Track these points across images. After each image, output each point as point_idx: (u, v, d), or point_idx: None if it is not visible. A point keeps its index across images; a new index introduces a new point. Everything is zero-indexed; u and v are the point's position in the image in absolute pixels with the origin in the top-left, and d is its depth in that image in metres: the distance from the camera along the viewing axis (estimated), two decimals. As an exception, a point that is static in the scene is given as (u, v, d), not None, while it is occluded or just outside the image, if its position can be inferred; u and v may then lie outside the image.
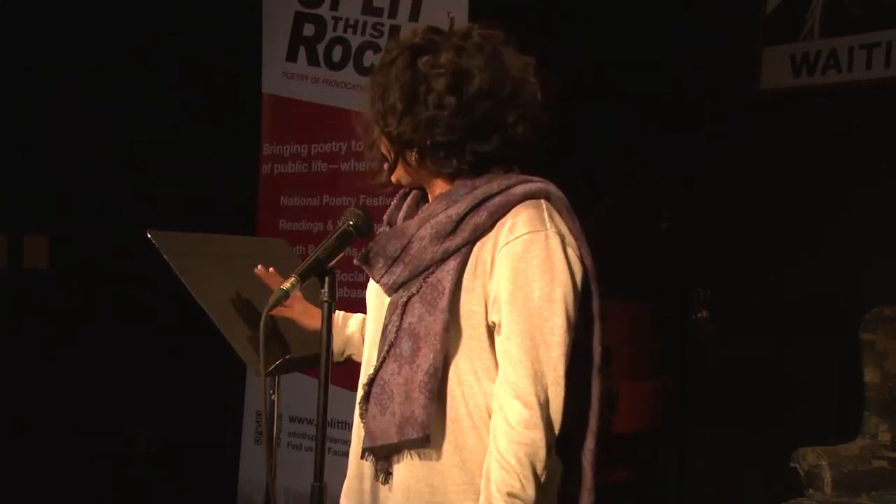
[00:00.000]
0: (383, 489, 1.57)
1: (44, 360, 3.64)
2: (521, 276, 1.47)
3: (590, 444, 1.59)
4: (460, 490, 1.52)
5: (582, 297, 1.55)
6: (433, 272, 1.51)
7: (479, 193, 1.51)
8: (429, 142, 1.52)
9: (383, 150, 1.59)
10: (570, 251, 1.51)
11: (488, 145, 1.52)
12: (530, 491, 1.44)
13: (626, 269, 3.66)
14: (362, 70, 3.59)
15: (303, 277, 1.47)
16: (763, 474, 3.45)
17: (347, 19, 3.63)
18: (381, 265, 1.56)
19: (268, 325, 1.42)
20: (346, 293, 3.18)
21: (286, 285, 1.45)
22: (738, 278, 3.81)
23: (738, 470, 3.72)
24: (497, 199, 1.51)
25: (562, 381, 1.47)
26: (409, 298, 1.52)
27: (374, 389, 1.56)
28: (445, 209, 1.52)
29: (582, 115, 3.94)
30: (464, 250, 1.50)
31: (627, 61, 4.06)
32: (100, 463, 3.79)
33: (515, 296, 1.47)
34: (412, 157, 1.56)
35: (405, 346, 1.51)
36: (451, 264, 1.50)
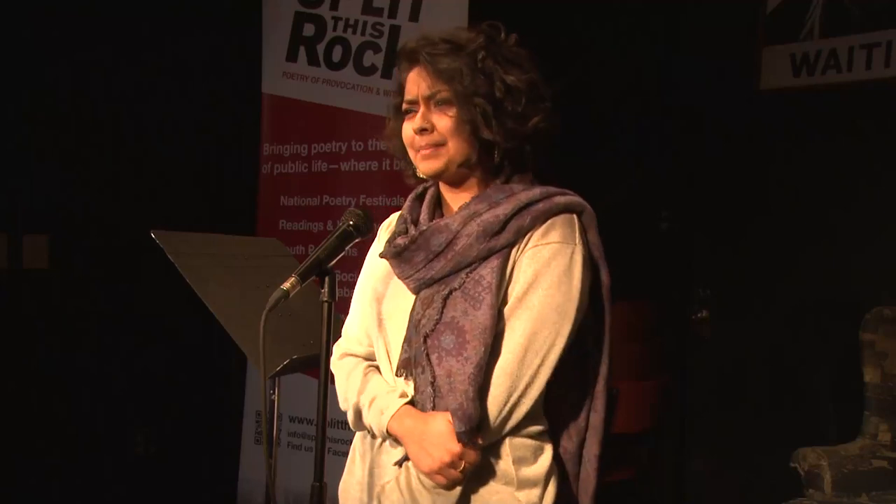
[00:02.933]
0: (419, 488, 1.56)
1: (44, 360, 3.63)
2: (541, 280, 1.52)
3: (594, 450, 1.63)
4: (476, 481, 1.54)
5: (593, 312, 1.61)
6: (475, 269, 1.54)
7: (524, 198, 1.56)
8: (522, 142, 1.57)
9: (452, 142, 1.56)
10: (587, 273, 1.56)
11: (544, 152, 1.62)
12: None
13: (625, 269, 3.66)
14: (362, 70, 3.59)
15: (303, 277, 1.47)
16: (763, 474, 3.45)
17: (347, 19, 3.63)
18: (420, 259, 1.57)
19: (270, 325, 1.42)
20: (346, 293, 3.18)
21: (286, 285, 1.45)
22: (738, 278, 3.81)
23: (738, 470, 3.72)
24: (540, 206, 1.56)
25: (531, 388, 1.51)
26: (450, 292, 1.54)
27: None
28: (490, 209, 1.55)
29: (581, 115, 3.95)
30: (505, 251, 1.54)
31: (627, 61, 4.07)
32: (99, 462, 3.79)
33: (529, 295, 1.52)
34: (482, 154, 1.57)
35: (447, 339, 1.51)
36: (495, 262, 1.53)
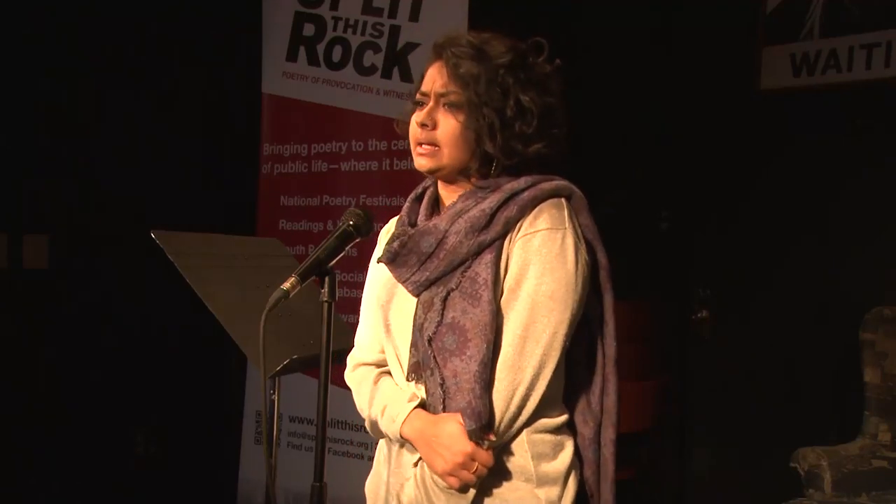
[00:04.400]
0: (433, 488, 1.55)
1: (44, 360, 3.63)
2: (531, 269, 1.52)
3: (610, 434, 1.64)
4: (495, 477, 1.54)
5: (596, 295, 1.62)
6: (469, 266, 1.54)
7: (508, 189, 1.56)
8: (521, 161, 1.57)
9: (449, 148, 1.57)
10: (581, 254, 1.56)
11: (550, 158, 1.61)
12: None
13: (625, 269, 3.66)
14: (362, 70, 3.59)
15: (303, 278, 1.47)
16: (763, 474, 3.45)
17: (347, 19, 3.63)
18: (413, 262, 1.57)
19: (270, 325, 1.42)
20: (346, 293, 3.19)
21: (286, 285, 1.45)
22: (738, 278, 3.81)
23: (738, 470, 3.72)
24: (526, 194, 1.56)
25: (538, 380, 1.51)
26: (448, 293, 1.54)
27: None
28: (476, 204, 1.56)
29: (581, 114, 3.94)
30: (497, 244, 1.55)
31: (626, 61, 4.07)
32: (100, 462, 3.79)
33: (521, 285, 1.53)
34: (481, 163, 1.58)
35: (449, 339, 1.51)
36: (487, 258, 1.54)
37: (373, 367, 1.70)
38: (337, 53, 3.65)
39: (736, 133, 3.85)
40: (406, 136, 1.66)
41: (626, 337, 3.83)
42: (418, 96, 1.61)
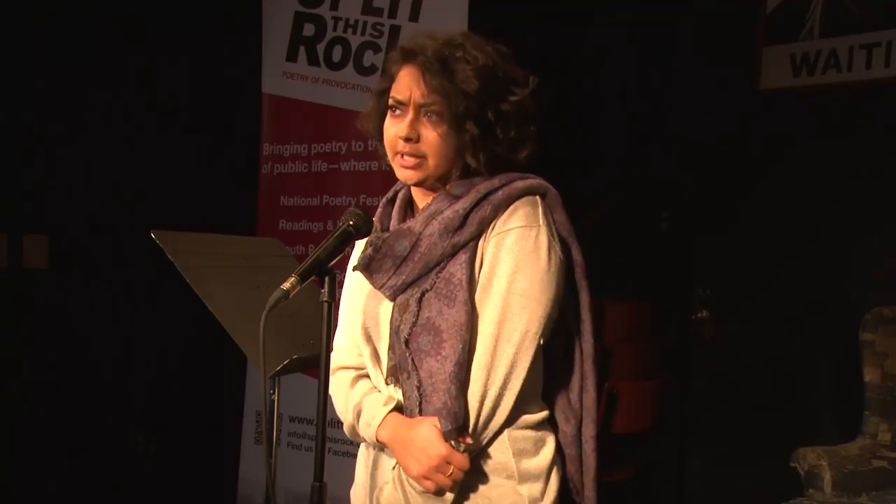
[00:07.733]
0: (411, 491, 1.55)
1: (43, 360, 3.63)
2: (504, 266, 1.52)
3: (591, 431, 1.63)
4: (476, 475, 1.54)
5: (572, 293, 1.61)
6: (444, 267, 1.54)
7: (483, 189, 1.55)
8: (506, 155, 1.56)
9: (434, 159, 1.55)
10: (555, 252, 1.55)
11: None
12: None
13: (626, 269, 3.67)
14: (362, 70, 3.60)
15: (303, 278, 1.46)
16: (763, 474, 3.45)
17: (347, 19, 3.64)
18: (388, 266, 1.56)
19: (270, 325, 1.42)
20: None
21: (286, 285, 1.44)
22: (738, 278, 3.82)
23: (738, 470, 3.72)
24: (499, 193, 1.55)
25: (511, 378, 1.50)
26: (422, 294, 1.53)
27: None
28: (450, 205, 1.55)
29: (581, 114, 3.95)
30: (471, 244, 1.54)
31: (627, 61, 4.07)
32: (99, 462, 3.79)
33: (493, 283, 1.52)
34: (465, 167, 1.57)
35: (424, 340, 1.51)
36: (462, 258, 1.53)
37: (351, 370, 1.69)
38: (337, 53, 3.65)
39: (736, 133, 3.85)
40: (368, 133, 1.66)
41: (626, 337, 3.85)
42: (392, 102, 1.57)
